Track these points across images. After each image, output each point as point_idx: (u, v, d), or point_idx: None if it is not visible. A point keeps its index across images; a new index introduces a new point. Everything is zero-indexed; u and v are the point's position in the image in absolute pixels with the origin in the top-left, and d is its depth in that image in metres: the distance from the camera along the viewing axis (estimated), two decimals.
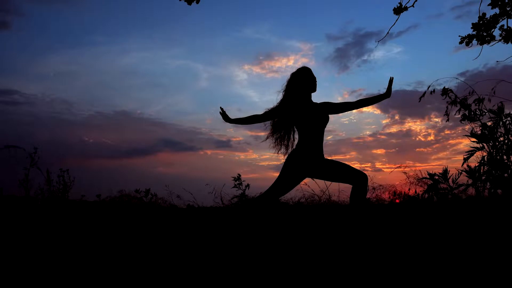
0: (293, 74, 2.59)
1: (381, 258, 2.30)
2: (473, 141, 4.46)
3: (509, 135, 4.29)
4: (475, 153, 4.47)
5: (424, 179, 4.60)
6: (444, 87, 4.69)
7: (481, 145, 4.41)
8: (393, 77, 2.57)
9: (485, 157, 4.34)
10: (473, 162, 4.47)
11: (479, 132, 4.43)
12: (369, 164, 8.83)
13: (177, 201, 5.07)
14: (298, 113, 2.50)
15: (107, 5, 10.75)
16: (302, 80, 2.54)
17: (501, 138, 4.36)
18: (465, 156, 4.47)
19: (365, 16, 10.56)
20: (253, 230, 3.11)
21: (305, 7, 10.57)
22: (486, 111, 4.53)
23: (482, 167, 4.31)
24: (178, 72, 11.73)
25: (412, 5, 4.06)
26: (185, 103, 12.16)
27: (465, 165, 4.41)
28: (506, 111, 4.39)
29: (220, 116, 2.63)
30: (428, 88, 4.70)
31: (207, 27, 10.95)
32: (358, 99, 2.61)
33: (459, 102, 4.70)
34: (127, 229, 3.51)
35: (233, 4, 10.76)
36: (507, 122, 4.34)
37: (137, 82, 11.84)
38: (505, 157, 4.20)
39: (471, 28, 4.72)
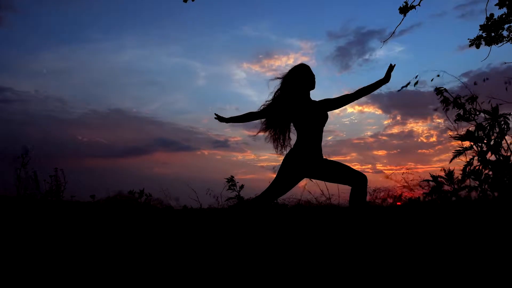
0: (291, 71, 2.52)
1: (380, 261, 2.24)
2: (458, 139, 4.35)
3: (503, 136, 4.21)
4: (463, 152, 4.37)
5: (426, 181, 4.52)
6: (439, 87, 4.57)
7: (469, 144, 4.32)
8: (394, 64, 2.50)
9: (474, 158, 4.24)
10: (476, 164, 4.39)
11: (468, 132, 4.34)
12: (369, 166, 8.73)
13: (172, 202, 4.98)
14: (296, 111, 2.43)
15: (102, 1, 10.59)
16: (301, 77, 2.47)
17: (496, 139, 4.27)
18: (453, 155, 4.38)
19: (367, 14, 10.45)
20: (250, 232, 3.04)
21: (305, 5, 10.47)
22: (480, 111, 4.43)
23: (467, 167, 4.22)
24: (175, 70, 11.62)
25: (418, 4, 3.96)
26: (182, 102, 12.05)
27: (453, 162, 4.32)
28: (506, 112, 4.30)
29: (216, 121, 2.61)
30: (416, 76, 4.57)
31: (205, 24, 10.84)
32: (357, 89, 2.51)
33: (453, 101, 4.60)
34: (121, 231, 3.42)
35: (232, 1, 10.63)
36: (502, 122, 4.25)
37: (133, 80, 11.72)
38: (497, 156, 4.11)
39: (480, 29, 4.63)
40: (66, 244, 2.85)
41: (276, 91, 2.53)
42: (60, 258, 2.42)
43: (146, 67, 11.68)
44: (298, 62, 2.53)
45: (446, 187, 4.27)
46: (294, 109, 2.44)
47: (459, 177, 4.29)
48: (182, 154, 11.21)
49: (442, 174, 4.34)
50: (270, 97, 2.54)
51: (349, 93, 2.53)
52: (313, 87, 2.52)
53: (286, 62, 10.65)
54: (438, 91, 4.48)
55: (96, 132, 11.10)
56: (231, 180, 4.63)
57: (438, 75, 4.54)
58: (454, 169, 4.37)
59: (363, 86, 2.51)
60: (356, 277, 1.99)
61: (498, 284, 1.86)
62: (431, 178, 4.35)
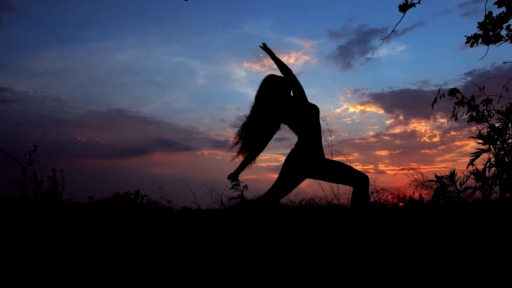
0: (263, 86, 2.48)
1: (382, 262, 2.22)
2: (479, 143, 4.35)
3: None
4: (481, 154, 4.35)
5: (429, 182, 4.47)
6: (452, 88, 4.57)
7: (487, 146, 4.30)
8: (263, 43, 2.52)
9: (491, 159, 4.23)
10: (480, 164, 4.36)
11: (486, 134, 4.33)
12: (371, 166, 8.67)
13: (172, 203, 4.92)
14: (289, 114, 2.42)
15: (101, 0, 10.53)
16: (275, 85, 2.46)
17: (510, 140, 4.25)
18: (471, 158, 4.36)
19: (369, 12, 10.38)
20: (252, 233, 3.00)
21: (306, 3, 10.41)
22: (494, 112, 4.41)
23: (488, 169, 4.21)
24: (175, 69, 11.54)
25: (419, 2, 3.90)
26: (182, 102, 11.98)
27: (470, 167, 4.30)
28: None
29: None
30: (439, 91, 4.57)
31: (205, 22, 10.77)
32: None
33: (466, 103, 4.57)
34: (119, 232, 3.37)
35: None
36: None
37: (132, 79, 11.65)
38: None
39: (477, 27, 4.58)
40: (64, 246, 2.79)
41: (257, 110, 2.47)
42: (58, 260, 2.37)
43: (145, 66, 11.63)
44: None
45: (450, 188, 4.22)
46: (285, 113, 2.43)
47: (463, 179, 4.25)
48: (182, 154, 11.15)
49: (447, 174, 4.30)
50: (254, 117, 2.48)
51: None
52: (291, 87, 2.50)
53: (287, 61, 10.54)
54: (451, 91, 4.46)
55: (95, 132, 11.03)
56: (235, 179, 4.56)
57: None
58: (454, 169, 4.35)
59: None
60: (358, 277, 1.97)
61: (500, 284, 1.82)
62: (435, 179, 4.30)
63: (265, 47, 2.53)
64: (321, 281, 1.96)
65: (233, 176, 2.53)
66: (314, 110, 2.44)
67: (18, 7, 10.03)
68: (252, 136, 2.47)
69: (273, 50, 2.53)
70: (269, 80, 2.48)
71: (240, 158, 2.52)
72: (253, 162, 2.53)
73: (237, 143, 2.51)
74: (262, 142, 2.49)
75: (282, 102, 2.44)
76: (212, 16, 10.67)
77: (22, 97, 10.17)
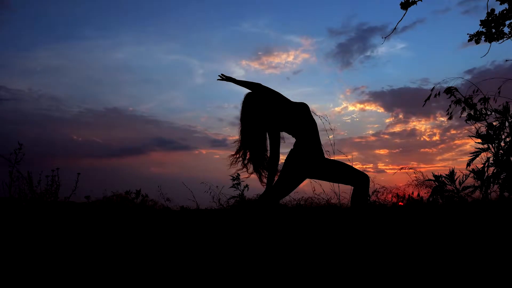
0: (246, 105, 2.46)
1: (382, 263, 2.19)
2: (478, 142, 4.34)
3: None
4: (480, 154, 4.34)
5: (429, 181, 4.46)
6: (450, 87, 4.54)
7: (486, 146, 4.29)
8: (220, 75, 2.47)
9: (491, 158, 4.22)
10: (479, 163, 4.35)
11: (484, 132, 4.31)
12: (371, 165, 8.63)
13: (170, 203, 4.88)
14: (282, 119, 2.40)
15: None
16: (258, 98, 2.44)
17: (508, 139, 4.24)
18: (470, 158, 4.35)
19: (369, 10, 10.28)
20: (251, 233, 2.97)
21: (306, 0, 10.34)
22: (491, 111, 4.40)
23: (487, 168, 4.20)
24: (172, 68, 11.42)
25: None
26: (180, 100, 11.87)
27: (471, 166, 4.29)
28: None
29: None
30: (433, 89, 4.54)
31: (203, 20, 10.66)
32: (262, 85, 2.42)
33: (464, 101, 4.56)
34: (117, 233, 3.33)
35: None
36: None
37: (129, 77, 11.52)
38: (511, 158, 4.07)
39: (480, 25, 4.57)
40: (61, 247, 2.75)
41: (247, 131, 2.44)
42: (55, 261, 2.33)
43: (142, 64, 11.50)
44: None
45: (449, 187, 4.21)
46: (276, 122, 2.41)
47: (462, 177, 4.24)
48: (180, 153, 11.07)
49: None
50: (248, 141, 2.43)
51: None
52: (268, 97, 2.46)
53: (286, 59, 10.49)
54: (448, 90, 4.44)
55: (92, 131, 10.91)
56: (236, 178, 4.52)
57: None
58: (453, 168, 4.34)
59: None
60: (357, 278, 1.96)
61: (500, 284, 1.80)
62: (433, 178, 4.29)
63: (223, 78, 2.46)
64: (320, 281, 1.94)
65: (266, 198, 2.44)
66: (303, 107, 2.41)
67: (12, 4, 9.91)
68: (258, 157, 2.44)
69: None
70: (248, 100, 2.47)
71: (264, 179, 2.49)
72: (277, 173, 2.48)
73: (240, 163, 2.47)
74: (273, 155, 2.44)
75: (268, 114, 2.42)
76: (210, 14, 10.57)
77: (17, 95, 10.06)
